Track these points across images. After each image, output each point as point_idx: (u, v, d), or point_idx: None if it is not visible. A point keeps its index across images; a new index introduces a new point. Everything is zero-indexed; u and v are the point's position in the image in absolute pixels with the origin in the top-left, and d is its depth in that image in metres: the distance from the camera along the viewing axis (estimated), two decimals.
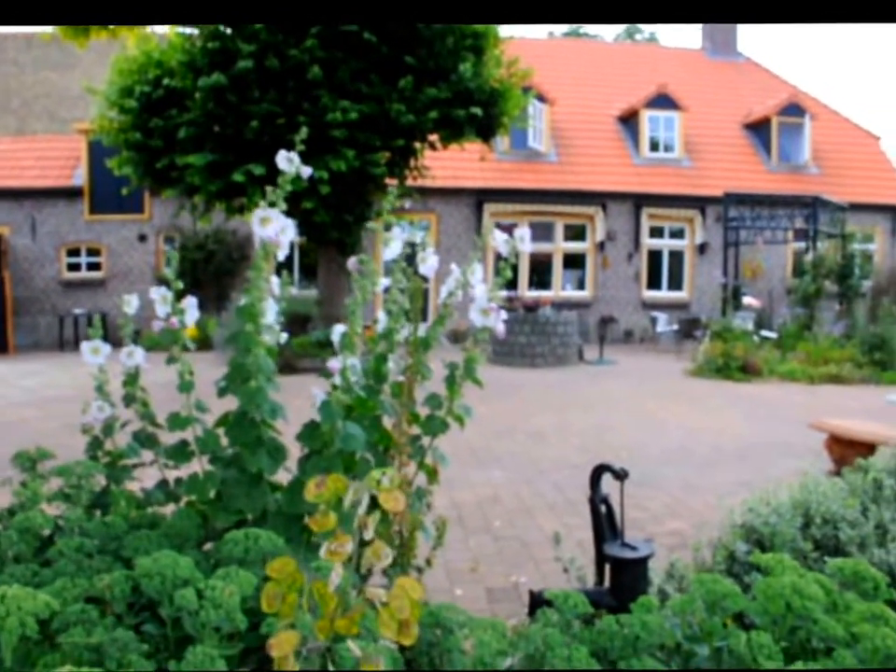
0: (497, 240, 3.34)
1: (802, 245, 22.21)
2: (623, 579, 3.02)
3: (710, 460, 8.51)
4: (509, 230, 3.29)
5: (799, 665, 2.13)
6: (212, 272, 22.37)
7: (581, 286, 24.25)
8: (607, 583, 3.14)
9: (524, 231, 3.37)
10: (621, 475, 3.10)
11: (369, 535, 1.42)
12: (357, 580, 1.58)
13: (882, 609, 2.39)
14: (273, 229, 3.08)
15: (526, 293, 21.33)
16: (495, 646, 2.44)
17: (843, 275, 19.91)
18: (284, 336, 3.53)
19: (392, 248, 3.18)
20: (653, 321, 20.89)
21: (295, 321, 17.82)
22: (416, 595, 1.41)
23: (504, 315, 3.45)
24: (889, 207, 26.19)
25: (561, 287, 23.93)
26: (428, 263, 3.39)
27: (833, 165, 26.64)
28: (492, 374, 14.81)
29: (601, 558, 3.16)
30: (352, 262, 3.16)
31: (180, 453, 3.29)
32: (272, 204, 3.08)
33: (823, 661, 2.20)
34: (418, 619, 1.42)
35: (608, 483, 3.29)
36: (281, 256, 3.21)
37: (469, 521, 6.32)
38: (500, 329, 3.43)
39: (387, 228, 3.19)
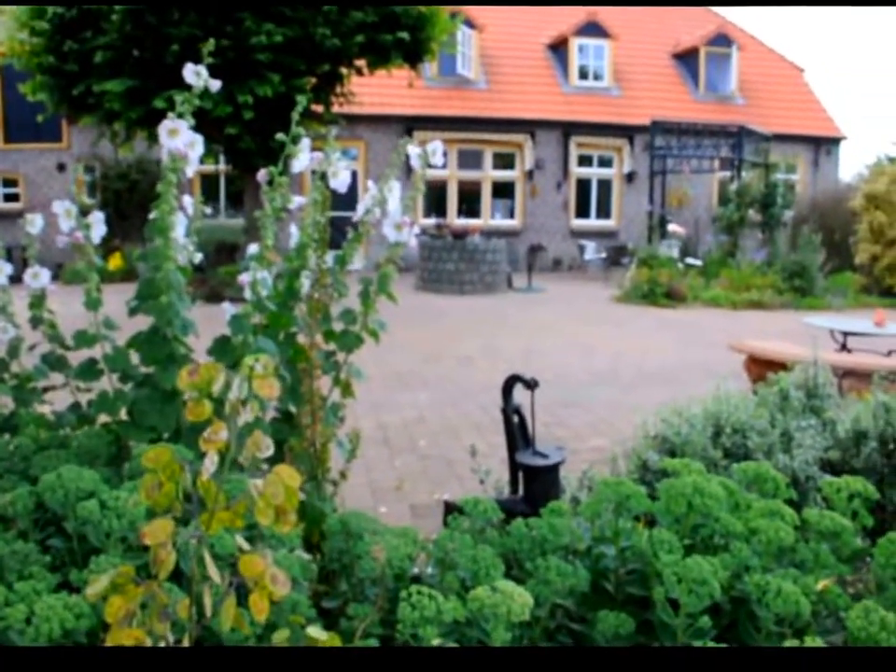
0: (411, 153, 3.30)
1: (727, 174, 22.48)
2: (535, 486, 3.07)
3: (634, 382, 8.68)
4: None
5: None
6: (136, 202, 21.68)
7: (510, 214, 24.23)
8: (522, 493, 3.19)
9: (436, 145, 3.33)
10: (531, 385, 3.13)
11: (244, 420, 1.39)
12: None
13: (779, 505, 2.46)
14: (182, 140, 2.98)
15: (455, 221, 21.22)
16: (403, 550, 2.46)
17: (766, 204, 20.24)
18: (199, 256, 3.45)
19: (300, 160, 3.10)
20: (581, 249, 21.03)
21: (222, 250, 17.50)
22: (293, 483, 1.39)
23: (417, 230, 3.41)
24: (811, 138, 26.61)
25: (490, 216, 23.87)
26: (340, 178, 3.32)
27: (759, 96, 26.88)
28: (420, 301, 14.81)
29: (514, 467, 3.20)
30: (261, 174, 3.08)
31: (89, 371, 3.21)
32: (180, 116, 2.98)
33: (722, 555, 2.26)
34: (295, 506, 1.40)
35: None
36: (190, 171, 3.13)
37: (395, 441, 6.35)
38: (413, 243, 3.39)
39: (295, 140, 3.11)
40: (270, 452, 1.49)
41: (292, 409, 3.27)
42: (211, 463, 1.36)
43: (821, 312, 14.66)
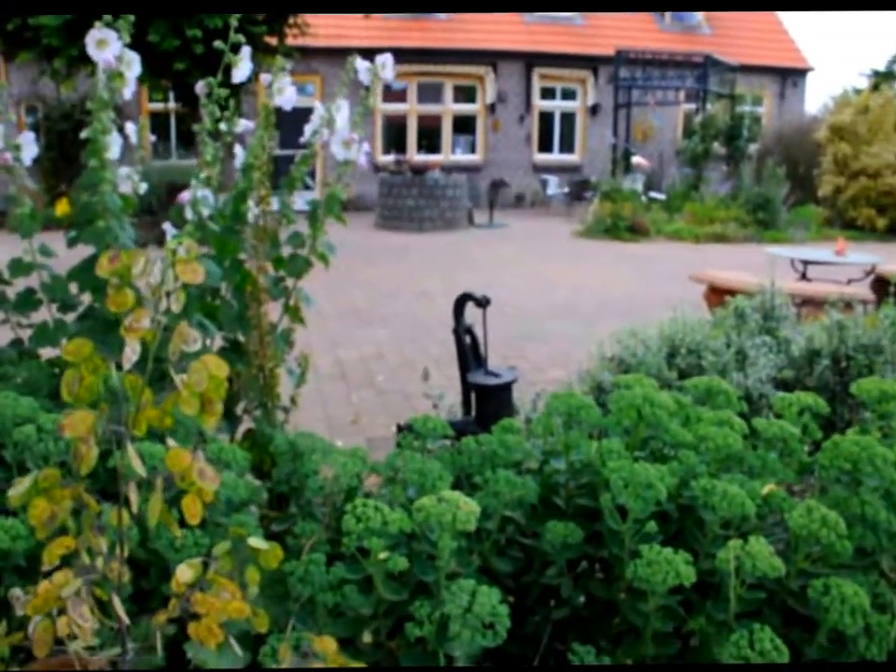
0: (359, 68, 3.21)
1: (692, 106, 22.34)
2: (487, 406, 3.04)
3: (595, 315, 8.68)
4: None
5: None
6: (81, 143, 21.03)
7: (471, 149, 23.95)
8: (475, 414, 3.17)
9: (385, 58, 3.24)
10: (482, 303, 3.08)
11: (174, 307, 1.33)
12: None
13: (729, 415, 2.45)
14: (111, 52, 2.85)
15: (415, 157, 20.91)
16: (352, 468, 2.43)
17: (731, 137, 20.19)
18: (144, 185, 3.34)
19: (241, 71, 2.99)
20: (544, 184, 20.88)
21: (174, 190, 17.07)
22: (219, 373, 1.33)
23: (366, 148, 3.32)
24: (778, 70, 26.45)
25: (451, 151, 23.56)
26: (286, 94, 3.22)
27: (726, 25, 26.60)
28: (379, 239, 14.68)
29: (467, 388, 3.17)
30: (199, 86, 2.97)
31: (27, 301, 3.12)
32: (109, 26, 2.85)
33: (670, 464, 2.25)
34: (221, 397, 1.35)
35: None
36: (127, 94, 3.01)
37: (353, 377, 6.31)
38: (363, 160, 3.31)
39: (235, 50, 2.99)
40: (197, 345, 1.42)
41: (241, 338, 3.21)
42: (132, 352, 1.30)
43: (785, 244, 14.72)
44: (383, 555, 2.09)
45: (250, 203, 3.16)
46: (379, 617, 2.18)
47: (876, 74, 32.26)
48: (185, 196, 2.89)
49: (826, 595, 1.82)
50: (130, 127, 3.16)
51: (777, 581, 2.03)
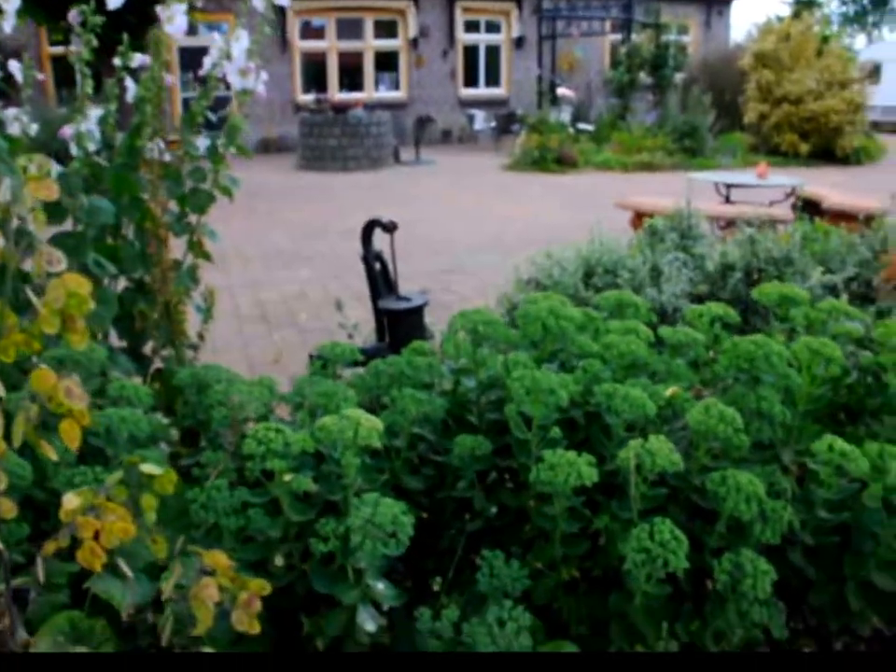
0: None
1: (618, 36, 22.24)
2: (399, 331, 3.02)
3: (522, 246, 8.65)
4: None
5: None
6: None
7: (395, 86, 23.53)
8: (388, 340, 3.14)
9: None
10: (389, 227, 3.03)
11: (32, 227, 1.26)
12: None
13: (636, 324, 2.45)
14: None
15: (337, 95, 20.48)
16: (256, 396, 2.39)
17: (656, 66, 20.18)
18: (34, 127, 3.19)
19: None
20: (471, 119, 20.69)
21: None
22: (80, 290, 1.28)
23: (265, 76, 3.22)
24: None
25: (374, 88, 23.11)
26: (175, 22, 3.09)
27: None
28: (302, 180, 14.44)
29: (379, 314, 3.14)
30: (72, 14, 2.82)
31: None
32: None
33: (575, 372, 2.25)
34: (84, 313, 1.29)
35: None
36: (7, 27, 2.85)
37: (275, 317, 6.24)
38: (261, 90, 3.20)
39: None
40: (62, 266, 1.35)
41: (147, 279, 3.12)
42: None
43: (711, 171, 14.84)
44: (287, 477, 2.07)
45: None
46: (290, 540, 2.16)
47: (798, 2, 32.47)
48: (67, 131, 2.77)
49: (723, 485, 1.86)
50: (13, 65, 3.00)
51: (681, 477, 2.06)
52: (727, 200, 10.21)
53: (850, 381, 2.69)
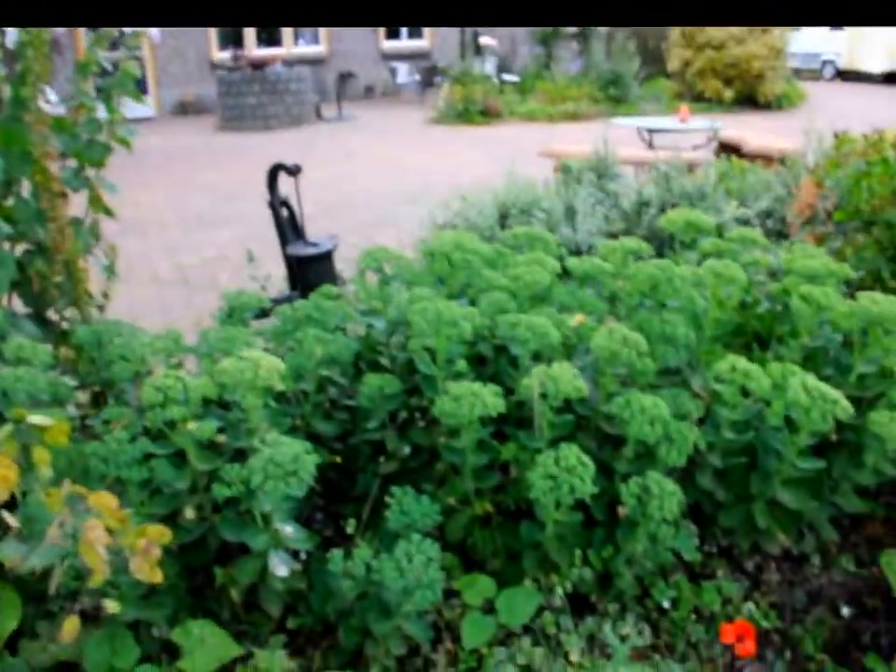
0: None
1: None
2: (308, 277, 2.95)
3: (446, 198, 8.60)
4: None
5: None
6: None
7: (315, 40, 23.02)
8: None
9: None
10: (293, 171, 2.95)
11: None
12: None
13: (541, 256, 2.42)
14: None
15: (255, 51, 19.94)
16: (161, 347, 2.32)
17: None
18: None
19: None
20: (394, 72, 20.37)
21: None
22: None
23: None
24: None
25: (294, 43, 22.55)
26: None
27: None
28: (222, 141, 14.10)
29: (289, 262, 3.07)
30: None
31: None
32: None
33: (482, 305, 2.22)
34: None
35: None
36: None
37: (195, 281, 6.10)
38: (155, 34, 3.08)
39: None
40: None
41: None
42: None
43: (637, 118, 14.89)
44: (191, 426, 2.01)
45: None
46: (199, 491, 2.11)
47: None
48: None
49: (627, 409, 1.85)
50: None
51: (589, 404, 2.06)
52: (650, 145, 10.25)
53: (762, 310, 2.72)
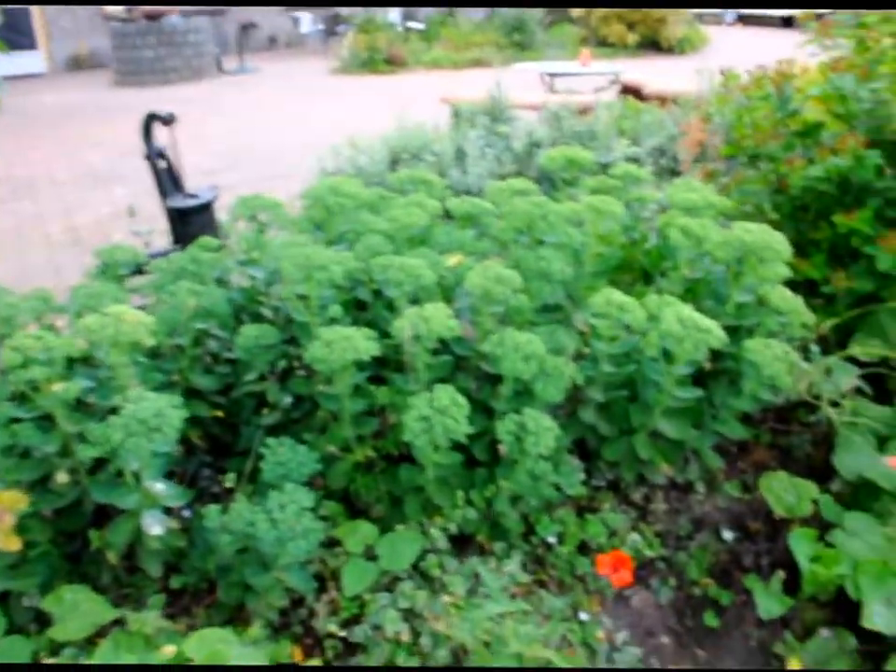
0: None
1: None
2: (189, 229, 2.85)
3: (336, 145, 8.46)
4: None
5: None
6: None
7: None
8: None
9: None
10: (167, 120, 2.82)
11: None
12: None
13: (422, 197, 2.37)
14: None
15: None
16: (28, 308, 2.21)
17: None
18: None
19: None
20: (296, 22, 19.84)
21: None
22: None
23: None
24: None
25: None
26: None
27: None
28: (118, 97, 13.60)
29: (170, 215, 2.95)
30: None
31: None
32: None
33: (356, 248, 2.17)
34: None
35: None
36: None
37: (89, 241, 5.88)
38: None
39: None
40: None
41: None
42: None
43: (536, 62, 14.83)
44: (56, 386, 1.92)
45: None
46: (71, 454, 2.02)
47: None
48: None
49: (501, 347, 1.83)
50: None
51: (468, 346, 2.03)
52: (552, 90, 10.22)
53: (649, 246, 2.73)
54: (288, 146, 8.88)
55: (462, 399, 1.75)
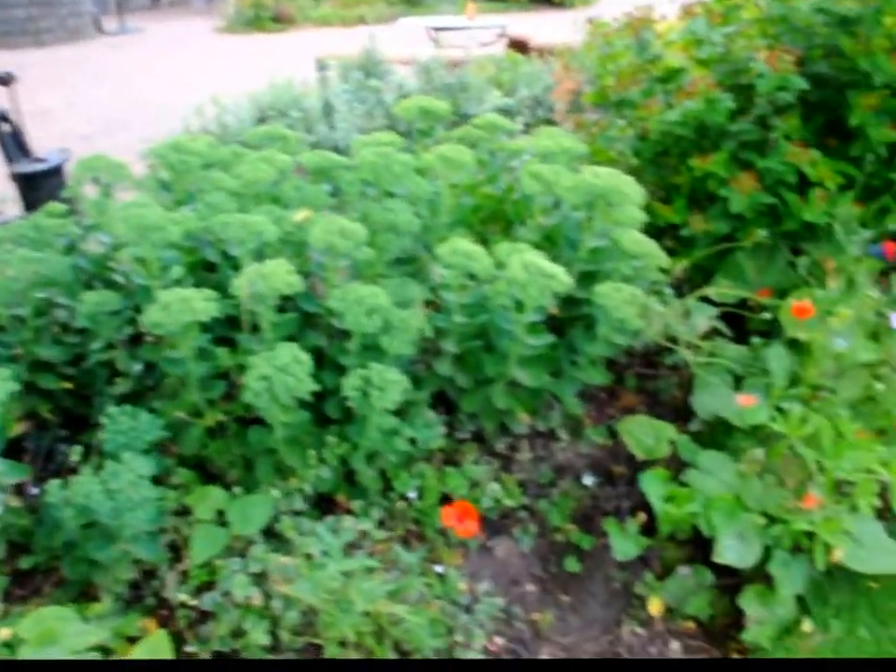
0: None
1: None
2: (39, 195, 2.70)
3: (201, 104, 8.23)
4: None
5: None
6: None
7: None
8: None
9: None
10: (5, 80, 2.67)
11: None
12: None
13: (272, 153, 2.30)
14: None
15: None
16: None
17: None
18: None
19: None
20: None
21: None
22: None
23: None
24: None
25: None
26: None
27: None
28: None
29: (17, 181, 2.80)
30: None
31: None
32: None
33: (199, 208, 2.09)
34: None
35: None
36: None
37: None
38: None
39: None
40: None
41: None
42: None
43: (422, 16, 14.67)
44: None
45: None
46: None
47: None
48: None
49: (345, 301, 1.79)
50: None
51: (316, 302, 1.99)
52: (437, 44, 10.13)
53: (516, 198, 2.71)
54: (170, 108, 8.57)
55: (305, 356, 1.71)
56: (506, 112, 3.98)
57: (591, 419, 2.50)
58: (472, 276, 1.95)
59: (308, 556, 1.72)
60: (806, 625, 1.92)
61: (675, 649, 1.94)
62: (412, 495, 2.03)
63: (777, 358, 2.28)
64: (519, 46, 8.47)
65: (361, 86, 4.12)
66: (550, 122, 4.35)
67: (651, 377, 2.69)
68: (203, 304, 1.74)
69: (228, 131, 3.51)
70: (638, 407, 2.61)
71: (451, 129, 2.69)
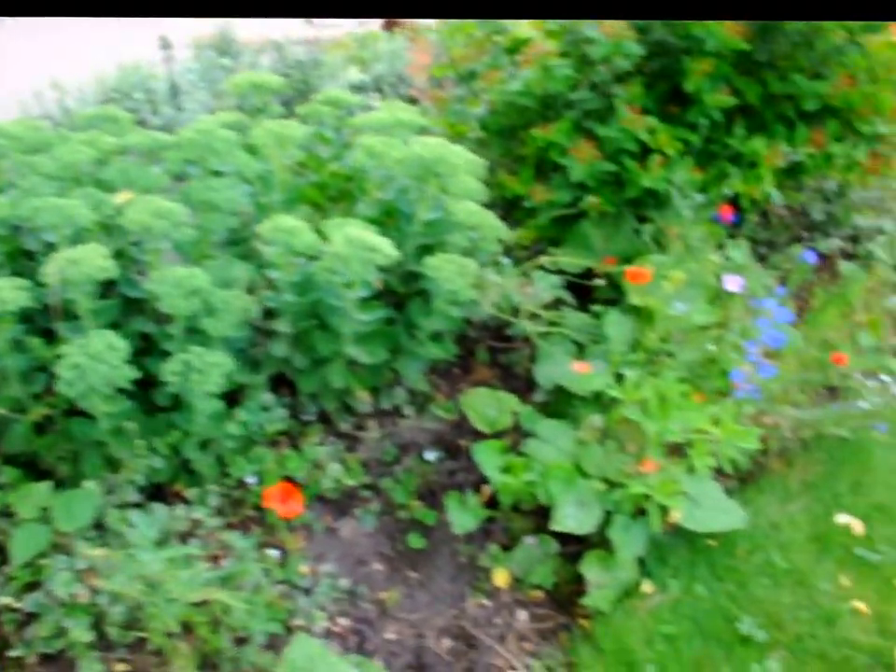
0: None
1: None
2: None
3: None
4: None
5: None
6: None
7: None
8: None
9: None
10: None
11: None
12: None
13: (97, 135, 2.21)
14: None
15: None
16: None
17: None
18: None
19: None
20: None
21: None
22: None
23: None
24: None
25: None
26: None
27: None
28: None
29: None
30: None
31: None
32: None
33: (13, 193, 1.99)
34: None
35: None
36: None
37: None
38: None
39: None
40: None
41: None
42: None
43: None
44: None
45: None
46: None
47: None
48: None
49: (161, 283, 1.73)
50: None
51: (138, 287, 1.93)
52: (310, 24, 9.98)
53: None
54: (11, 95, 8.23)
55: (121, 343, 1.65)
56: (360, 89, 3.93)
57: (442, 394, 2.49)
58: (300, 254, 1.91)
59: (133, 547, 1.67)
60: (646, 586, 1.97)
61: (522, 618, 1.95)
62: (251, 480, 1.99)
63: (615, 324, 2.32)
64: (395, 23, 8.40)
65: (213, 65, 4.01)
66: (412, 100, 4.33)
67: (503, 350, 2.69)
68: (10, 294, 1.67)
69: (70, 114, 3.37)
70: (492, 380, 2.60)
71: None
